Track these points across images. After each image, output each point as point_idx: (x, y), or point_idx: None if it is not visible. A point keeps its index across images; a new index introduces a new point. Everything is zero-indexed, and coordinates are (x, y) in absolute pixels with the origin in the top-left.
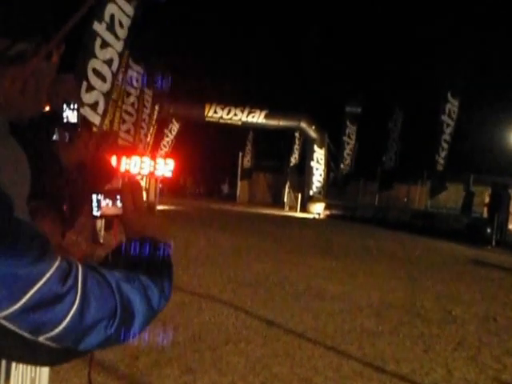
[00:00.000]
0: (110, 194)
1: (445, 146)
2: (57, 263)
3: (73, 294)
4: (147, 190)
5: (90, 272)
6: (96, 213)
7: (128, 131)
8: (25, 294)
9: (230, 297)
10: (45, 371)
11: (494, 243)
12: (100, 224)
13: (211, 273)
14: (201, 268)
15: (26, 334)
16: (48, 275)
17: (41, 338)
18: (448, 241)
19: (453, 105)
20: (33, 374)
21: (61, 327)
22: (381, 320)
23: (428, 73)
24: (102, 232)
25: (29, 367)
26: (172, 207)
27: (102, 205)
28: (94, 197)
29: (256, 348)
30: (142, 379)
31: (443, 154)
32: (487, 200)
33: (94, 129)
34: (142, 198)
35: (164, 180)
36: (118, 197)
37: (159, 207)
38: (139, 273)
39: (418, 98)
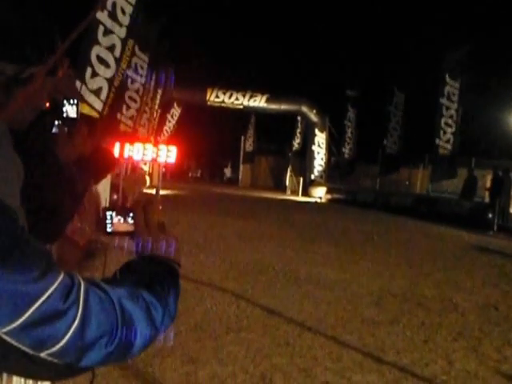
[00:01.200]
0: (122, 211)
1: (446, 129)
2: (59, 279)
3: (74, 310)
4: (151, 175)
5: (92, 288)
6: (109, 229)
7: (132, 117)
8: (26, 310)
9: (231, 284)
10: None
11: (495, 228)
12: None
13: (213, 259)
14: (203, 254)
15: (27, 350)
16: (50, 292)
17: (42, 354)
18: (449, 226)
19: (452, 87)
20: None
21: (62, 343)
22: (381, 309)
23: (428, 55)
24: None
25: (30, 381)
26: (175, 192)
27: (114, 221)
28: (109, 213)
29: (256, 337)
30: (143, 369)
31: (445, 137)
32: (488, 184)
33: (96, 115)
34: (154, 216)
35: (167, 165)
36: (131, 214)
37: (162, 192)
38: (146, 290)
39: (419, 80)
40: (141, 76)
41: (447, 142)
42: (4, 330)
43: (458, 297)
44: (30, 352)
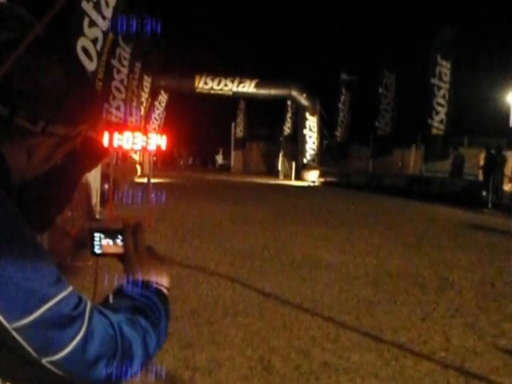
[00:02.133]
0: (111, 234)
1: (438, 109)
2: (70, 289)
3: (80, 322)
4: (141, 164)
5: (95, 309)
6: (98, 250)
7: (118, 108)
8: (38, 308)
9: (226, 269)
10: None
11: (490, 206)
12: (95, 199)
13: (207, 245)
14: (197, 240)
15: (31, 352)
16: (61, 296)
17: (44, 361)
18: (444, 205)
19: (443, 67)
20: None
21: (65, 352)
22: (377, 289)
23: (418, 35)
24: (98, 207)
25: None
26: (166, 180)
27: (103, 243)
28: (96, 235)
29: (253, 321)
30: None
31: (437, 117)
32: (482, 162)
33: None
34: (144, 239)
35: (158, 153)
36: (120, 236)
37: (153, 180)
38: (142, 317)
39: (409, 61)
40: (124, 66)
41: (440, 122)
42: (14, 325)
43: (454, 275)
44: (34, 355)
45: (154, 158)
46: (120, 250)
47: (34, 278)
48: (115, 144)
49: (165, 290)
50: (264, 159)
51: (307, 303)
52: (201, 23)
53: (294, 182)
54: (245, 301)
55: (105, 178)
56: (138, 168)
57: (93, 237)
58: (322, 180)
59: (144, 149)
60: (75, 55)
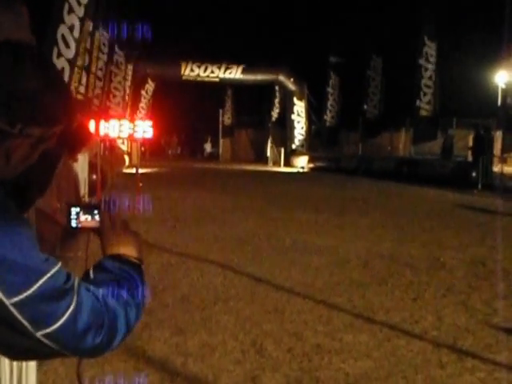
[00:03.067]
0: (88, 208)
1: (426, 90)
2: (59, 264)
3: (71, 295)
4: (129, 154)
5: (82, 283)
6: (74, 224)
7: (97, 96)
8: (35, 283)
9: (217, 256)
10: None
11: (479, 187)
12: (84, 190)
13: (197, 233)
14: (187, 228)
15: (27, 325)
16: (54, 270)
17: (38, 334)
18: (434, 187)
19: (430, 48)
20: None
21: (58, 323)
22: (369, 271)
23: (405, 17)
24: (86, 198)
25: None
26: (155, 170)
27: (81, 218)
28: (73, 209)
29: (245, 306)
30: (132, 343)
31: (425, 98)
32: (471, 143)
33: None
34: (119, 215)
35: (145, 142)
36: (96, 211)
37: (142, 170)
38: (122, 290)
39: (396, 43)
40: (103, 53)
41: (428, 103)
42: (12, 300)
43: (445, 255)
44: (30, 329)
45: (143, 149)
46: (96, 225)
47: (29, 255)
48: (101, 132)
49: (139, 263)
50: (253, 146)
51: (299, 287)
52: (185, 8)
53: (283, 169)
54: (236, 286)
55: (93, 168)
56: (126, 158)
57: (70, 211)
58: (311, 165)
59: (131, 137)
60: (49, 59)
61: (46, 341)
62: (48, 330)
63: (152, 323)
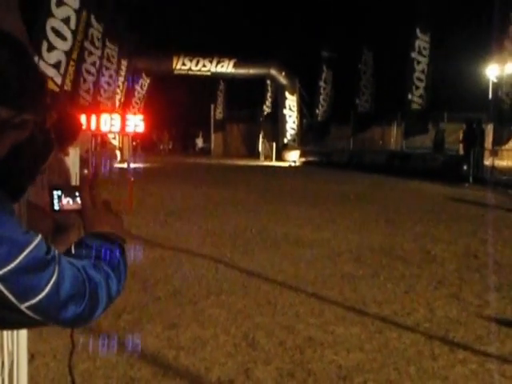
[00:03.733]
0: (69, 191)
1: (418, 84)
2: (40, 237)
3: (53, 266)
4: (121, 149)
5: (62, 255)
6: (56, 207)
7: (88, 91)
8: (18, 255)
9: (209, 250)
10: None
11: (471, 180)
12: (75, 184)
13: (189, 227)
14: (179, 222)
15: (12, 298)
16: (36, 242)
17: (23, 306)
18: (425, 180)
19: (423, 41)
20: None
21: (42, 294)
22: (361, 264)
23: (396, 9)
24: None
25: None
26: (147, 165)
27: (64, 202)
28: (55, 192)
29: (237, 299)
30: (125, 337)
31: (417, 92)
32: (462, 137)
33: (56, 88)
34: (100, 195)
35: (137, 137)
36: (77, 193)
37: (133, 165)
38: (103, 262)
39: (389, 36)
40: (97, 48)
41: (419, 96)
42: None
43: (436, 248)
44: (14, 301)
45: (134, 144)
46: (78, 207)
47: (11, 228)
48: (93, 126)
49: (121, 241)
50: (244, 141)
51: (291, 280)
52: (176, 2)
53: (274, 163)
54: (228, 280)
55: (84, 163)
56: (118, 153)
57: (52, 194)
58: (302, 160)
59: (123, 131)
60: (24, 45)
61: (29, 312)
62: (32, 302)
63: (144, 317)
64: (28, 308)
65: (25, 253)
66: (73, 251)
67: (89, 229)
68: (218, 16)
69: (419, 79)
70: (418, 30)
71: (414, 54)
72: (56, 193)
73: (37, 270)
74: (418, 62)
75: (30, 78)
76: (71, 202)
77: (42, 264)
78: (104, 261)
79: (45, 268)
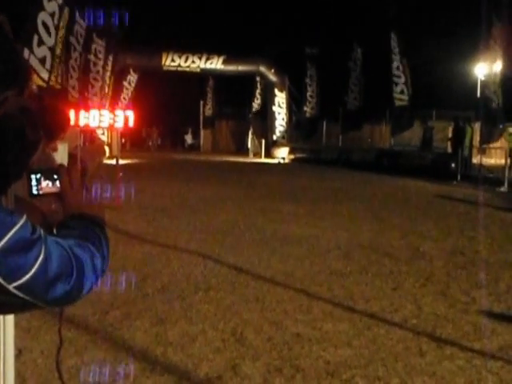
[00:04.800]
0: (48, 174)
1: (396, 80)
2: (25, 217)
3: (40, 245)
4: (110, 145)
5: (48, 235)
6: (35, 191)
7: (74, 87)
8: (4, 236)
9: (197, 246)
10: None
11: (459, 178)
12: None
13: (178, 223)
14: (167, 219)
15: (0, 279)
16: (21, 223)
17: (11, 287)
18: (414, 178)
19: (393, 40)
20: None
21: (30, 274)
22: (349, 261)
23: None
24: None
25: None
26: (136, 161)
27: (43, 185)
28: (33, 176)
29: (225, 295)
30: (113, 333)
31: (397, 88)
32: (450, 135)
33: (43, 84)
34: (79, 178)
35: (126, 133)
36: (56, 176)
37: (122, 161)
38: (87, 242)
39: (374, 35)
40: (79, 44)
41: (401, 92)
42: None
43: (425, 245)
44: (2, 282)
45: (123, 140)
46: (57, 190)
47: None
48: (81, 122)
49: (100, 220)
50: (234, 137)
51: (279, 276)
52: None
53: (263, 160)
54: (216, 276)
55: (72, 159)
56: (107, 149)
57: (30, 178)
58: (291, 157)
59: (111, 127)
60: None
61: (18, 293)
62: (20, 282)
63: (132, 313)
64: (16, 288)
65: (11, 233)
66: (55, 232)
67: (68, 211)
68: (207, 12)
69: (396, 75)
70: (392, 33)
71: (394, 55)
72: (34, 176)
73: (23, 249)
74: (393, 60)
75: (8, 51)
76: (50, 184)
77: (29, 244)
78: (87, 240)
79: (31, 248)
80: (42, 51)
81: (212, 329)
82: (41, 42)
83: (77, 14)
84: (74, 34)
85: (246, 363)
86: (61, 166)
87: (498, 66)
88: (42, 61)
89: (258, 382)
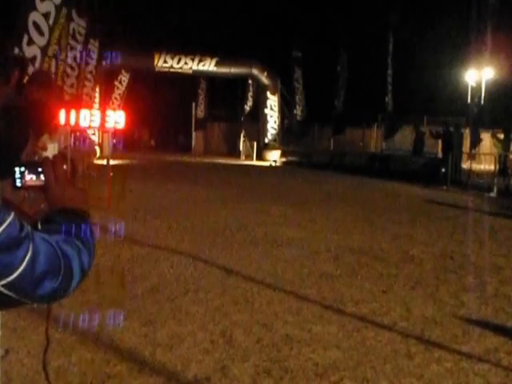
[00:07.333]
0: (32, 167)
1: (388, 86)
2: (12, 214)
3: (27, 243)
4: (101, 145)
5: (35, 231)
6: (18, 184)
7: (72, 85)
8: None
9: (187, 247)
10: None
11: (448, 183)
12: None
13: (168, 225)
14: (158, 220)
15: None
16: (9, 220)
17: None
18: (404, 182)
19: (391, 44)
20: None
21: (18, 272)
22: (339, 263)
23: (371, 11)
24: None
25: None
26: (127, 161)
27: (27, 178)
28: (17, 169)
29: (215, 297)
30: (100, 333)
31: (389, 94)
32: (441, 140)
33: None
34: (63, 171)
35: (117, 134)
36: (40, 169)
37: (113, 162)
38: (69, 237)
39: (362, 38)
40: (78, 42)
41: (391, 98)
42: None
43: (414, 249)
44: None
45: (114, 141)
46: (41, 183)
47: None
48: (72, 122)
49: (86, 215)
50: (225, 139)
51: (269, 278)
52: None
53: (255, 162)
54: (206, 277)
55: (60, 154)
56: (97, 149)
57: (14, 171)
58: (283, 160)
59: (102, 127)
60: None
61: (5, 291)
62: (8, 279)
63: (121, 313)
64: (4, 286)
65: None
66: (39, 227)
67: (52, 205)
68: (200, 14)
69: (388, 82)
70: (390, 35)
71: (387, 60)
72: (18, 169)
73: (11, 247)
74: (387, 66)
75: None
76: (34, 178)
77: (17, 241)
78: (73, 236)
79: (19, 245)
80: (32, 50)
81: (201, 330)
82: (31, 42)
83: (74, 12)
84: (71, 32)
85: (235, 364)
86: (46, 159)
87: (488, 73)
88: (32, 60)
89: None
